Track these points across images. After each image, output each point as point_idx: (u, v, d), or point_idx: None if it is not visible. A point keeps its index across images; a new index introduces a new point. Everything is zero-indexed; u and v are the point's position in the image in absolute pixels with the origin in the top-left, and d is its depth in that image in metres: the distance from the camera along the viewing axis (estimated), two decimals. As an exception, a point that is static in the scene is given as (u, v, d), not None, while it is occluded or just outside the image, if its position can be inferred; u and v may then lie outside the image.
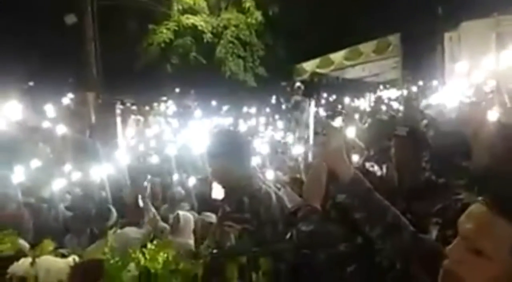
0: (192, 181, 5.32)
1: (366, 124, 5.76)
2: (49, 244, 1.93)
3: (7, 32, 10.42)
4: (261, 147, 5.94)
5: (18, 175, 4.14)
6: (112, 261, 1.69)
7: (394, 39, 11.55)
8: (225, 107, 10.05)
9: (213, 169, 2.23)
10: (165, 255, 1.67)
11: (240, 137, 2.45)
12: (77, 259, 1.82)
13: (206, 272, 1.72)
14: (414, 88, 9.37)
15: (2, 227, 2.12)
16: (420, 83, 9.16)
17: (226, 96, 10.92)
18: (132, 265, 1.67)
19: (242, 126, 8.50)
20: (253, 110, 9.35)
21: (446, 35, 10.72)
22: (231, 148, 2.10)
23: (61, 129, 6.21)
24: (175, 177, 5.63)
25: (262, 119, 9.28)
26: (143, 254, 1.67)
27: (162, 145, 7.36)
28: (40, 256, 1.84)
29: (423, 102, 7.07)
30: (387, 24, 11.32)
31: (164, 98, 10.79)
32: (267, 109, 10.10)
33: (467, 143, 2.17)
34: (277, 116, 9.80)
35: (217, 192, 2.75)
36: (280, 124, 9.03)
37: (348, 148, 1.57)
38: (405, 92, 8.98)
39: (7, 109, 3.76)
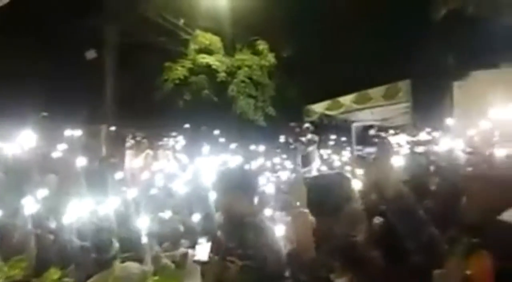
0: (196, 217, 5.31)
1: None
2: (55, 273, 1.96)
3: (28, 62, 10.83)
4: (267, 186, 5.93)
5: (29, 205, 4.11)
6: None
7: (404, 85, 11.74)
8: (233, 145, 10.12)
9: (221, 204, 2.29)
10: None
11: (247, 175, 2.52)
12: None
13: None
14: (423, 135, 9.41)
15: (10, 254, 2.17)
16: (429, 130, 9.21)
17: (235, 134, 11.05)
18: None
19: (249, 165, 8.53)
20: (261, 149, 9.41)
21: (456, 84, 10.89)
22: (238, 184, 2.19)
23: (72, 160, 6.29)
24: (179, 213, 5.62)
25: (272, 159, 9.31)
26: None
27: (168, 180, 7.39)
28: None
29: (431, 149, 7.09)
30: (398, 70, 11.53)
31: (175, 133, 10.95)
32: (275, 149, 10.17)
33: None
34: (284, 156, 9.84)
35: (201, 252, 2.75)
36: (287, 164, 9.06)
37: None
38: (413, 138, 9.01)
39: (21, 138, 3.86)
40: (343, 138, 11.08)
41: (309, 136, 9.29)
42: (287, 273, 2.02)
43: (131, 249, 4.18)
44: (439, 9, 9.51)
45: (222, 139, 10.43)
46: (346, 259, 2.03)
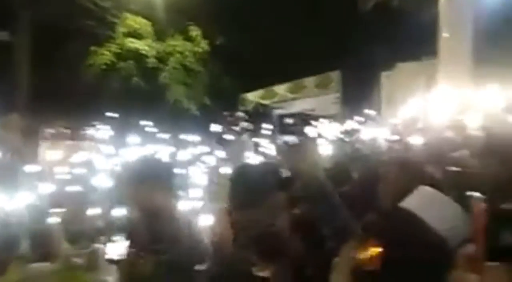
0: (118, 212, 4.98)
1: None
2: None
3: None
4: (199, 177, 5.74)
5: None
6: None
7: (335, 75, 12.09)
8: (165, 135, 9.73)
9: (133, 197, 2.15)
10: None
11: (163, 165, 2.37)
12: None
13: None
14: (351, 124, 9.73)
15: None
16: (357, 119, 9.55)
17: (168, 124, 10.66)
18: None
19: (183, 155, 8.24)
20: (194, 138, 9.14)
21: (383, 74, 11.41)
22: (153, 175, 2.05)
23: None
24: (98, 207, 5.23)
25: (204, 149, 9.07)
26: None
27: (90, 173, 6.91)
28: None
29: (357, 138, 7.32)
30: (330, 61, 11.81)
31: (100, 123, 10.29)
32: (209, 139, 9.93)
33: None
34: (219, 146, 9.65)
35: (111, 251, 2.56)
36: (222, 154, 8.88)
37: None
38: (342, 127, 9.27)
39: None
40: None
41: (243, 125, 9.19)
42: (205, 267, 1.91)
43: (42, 246, 3.88)
44: (367, 1, 9.80)
45: (153, 129, 9.99)
46: (265, 250, 1.94)
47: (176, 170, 4.56)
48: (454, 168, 2.17)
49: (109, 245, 3.07)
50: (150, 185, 2.02)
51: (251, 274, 1.85)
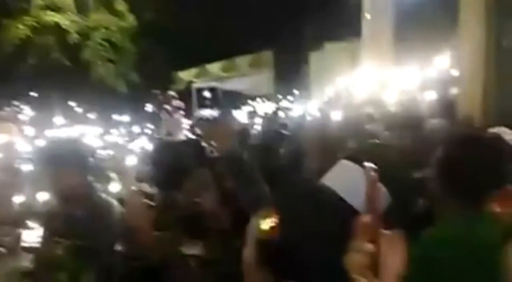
0: (42, 197, 4.71)
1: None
2: None
3: None
4: (129, 158, 5.56)
5: None
6: None
7: (267, 55, 12.22)
8: (92, 115, 9.25)
9: (49, 182, 2.02)
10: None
11: (79, 146, 2.25)
12: None
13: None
14: (281, 102, 9.99)
15: None
16: (287, 97, 9.84)
17: (94, 103, 10.11)
18: None
19: (111, 136, 7.92)
20: (123, 118, 8.81)
21: (312, 54, 11.80)
22: (68, 159, 1.93)
23: None
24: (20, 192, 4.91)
25: (134, 129, 8.79)
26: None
27: (11, 156, 6.40)
28: None
29: (286, 114, 7.55)
30: (262, 39, 11.89)
31: (20, 103, 9.49)
32: (139, 118, 9.62)
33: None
34: (150, 125, 9.40)
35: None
36: (152, 133, 8.66)
37: None
38: (274, 105, 9.48)
39: None
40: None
41: (175, 103, 8.99)
42: (121, 252, 1.87)
43: None
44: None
45: (79, 109, 9.45)
46: (191, 228, 1.96)
47: (103, 152, 4.41)
48: (370, 140, 2.34)
49: (25, 232, 2.92)
50: (65, 168, 1.91)
51: (181, 254, 1.85)
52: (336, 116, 3.49)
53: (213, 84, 12.59)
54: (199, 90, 10.91)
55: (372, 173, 0.72)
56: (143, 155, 6.75)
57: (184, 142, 4.40)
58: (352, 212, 0.83)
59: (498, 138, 1.64)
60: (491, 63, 3.39)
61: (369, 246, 0.68)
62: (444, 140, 1.47)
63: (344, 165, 0.98)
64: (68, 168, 1.92)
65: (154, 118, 9.24)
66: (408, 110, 3.38)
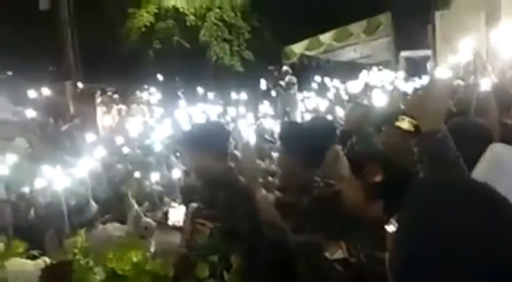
0: (176, 174, 5.00)
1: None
2: (19, 245, 1.78)
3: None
4: (249, 135, 5.61)
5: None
6: (82, 262, 1.55)
7: (384, 18, 11.23)
8: (211, 94, 9.62)
9: (190, 162, 2.12)
10: (134, 255, 1.53)
11: (219, 130, 2.24)
12: (47, 261, 1.67)
13: (176, 272, 1.66)
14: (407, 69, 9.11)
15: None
16: (412, 64, 8.91)
17: (212, 82, 10.51)
18: (99, 267, 1.55)
19: (229, 114, 8.15)
20: (241, 96, 8.97)
21: (437, 13, 10.46)
22: (208, 140, 1.94)
23: (39, 122, 5.88)
24: (157, 171, 5.30)
25: (251, 106, 8.91)
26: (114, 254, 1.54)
27: (145, 136, 6.99)
28: (9, 258, 1.70)
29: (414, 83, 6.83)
30: (377, 3, 10.96)
31: (147, 86, 10.34)
32: (256, 95, 9.72)
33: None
34: (266, 102, 9.44)
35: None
36: (270, 110, 8.68)
37: None
38: (397, 74, 8.69)
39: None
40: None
41: (287, 79, 8.84)
42: (262, 237, 1.78)
43: (110, 210, 4.00)
44: None
45: (199, 89, 9.92)
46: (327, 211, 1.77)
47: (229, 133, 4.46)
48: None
49: (171, 211, 3.07)
50: (206, 153, 1.91)
51: (327, 260, 1.53)
52: (485, 84, 2.89)
53: (325, 56, 12.12)
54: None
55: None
56: (262, 132, 6.80)
57: (313, 120, 4.24)
58: None
59: None
60: None
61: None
62: None
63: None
64: (212, 151, 1.91)
65: (269, 95, 9.26)
66: None
